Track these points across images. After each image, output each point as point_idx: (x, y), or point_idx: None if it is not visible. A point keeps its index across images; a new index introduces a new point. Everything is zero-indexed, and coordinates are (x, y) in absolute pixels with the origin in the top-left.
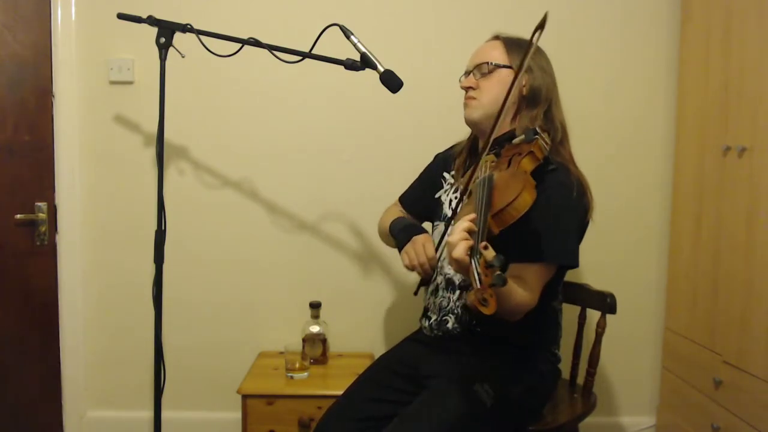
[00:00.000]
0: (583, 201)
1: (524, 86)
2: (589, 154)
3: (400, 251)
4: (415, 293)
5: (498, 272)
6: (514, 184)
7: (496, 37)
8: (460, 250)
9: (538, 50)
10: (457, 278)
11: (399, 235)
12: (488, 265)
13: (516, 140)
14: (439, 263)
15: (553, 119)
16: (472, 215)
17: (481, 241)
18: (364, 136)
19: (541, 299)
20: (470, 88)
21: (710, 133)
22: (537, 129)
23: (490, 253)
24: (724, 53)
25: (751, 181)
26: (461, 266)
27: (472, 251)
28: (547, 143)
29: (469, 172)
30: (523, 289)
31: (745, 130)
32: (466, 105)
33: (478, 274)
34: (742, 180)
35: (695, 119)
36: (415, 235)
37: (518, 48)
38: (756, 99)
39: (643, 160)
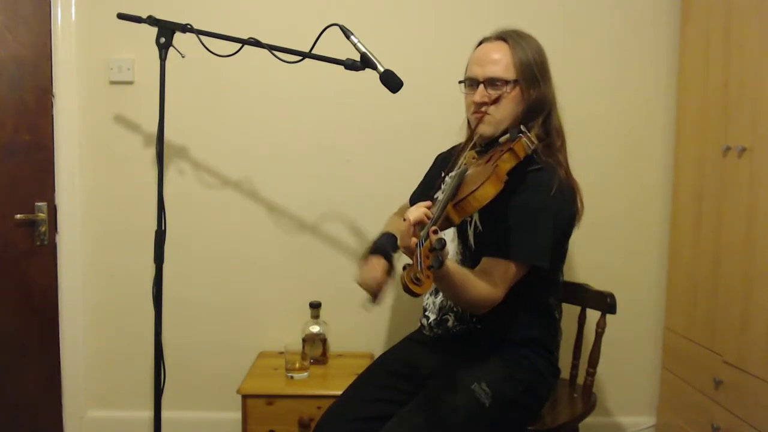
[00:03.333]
0: (564, 203)
1: (532, 96)
2: (589, 154)
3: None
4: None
5: (437, 254)
6: (481, 176)
7: (503, 39)
8: (406, 240)
9: (545, 56)
10: None
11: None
12: (431, 249)
13: (502, 139)
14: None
15: (552, 125)
16: (428, 202)
17: (432, 226)
18: (364, 137)
19: (533, 295)
20: (484, 103)
21: (710, 133)
22: (522, 127)
23: (434, 237)
24: (724, 53)
25: (751, 181)
26: (409, 253)
27: (421, 233)
28: (532, 142)
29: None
30: (485, 282)
31: (745, 130)
32: (480, 120)
33: (420, 257)
34: (742, 180)
35: (695, 119)
36: (374, 254)
37: (523, 51)
38: (756, 99)
39: (643, 160)
